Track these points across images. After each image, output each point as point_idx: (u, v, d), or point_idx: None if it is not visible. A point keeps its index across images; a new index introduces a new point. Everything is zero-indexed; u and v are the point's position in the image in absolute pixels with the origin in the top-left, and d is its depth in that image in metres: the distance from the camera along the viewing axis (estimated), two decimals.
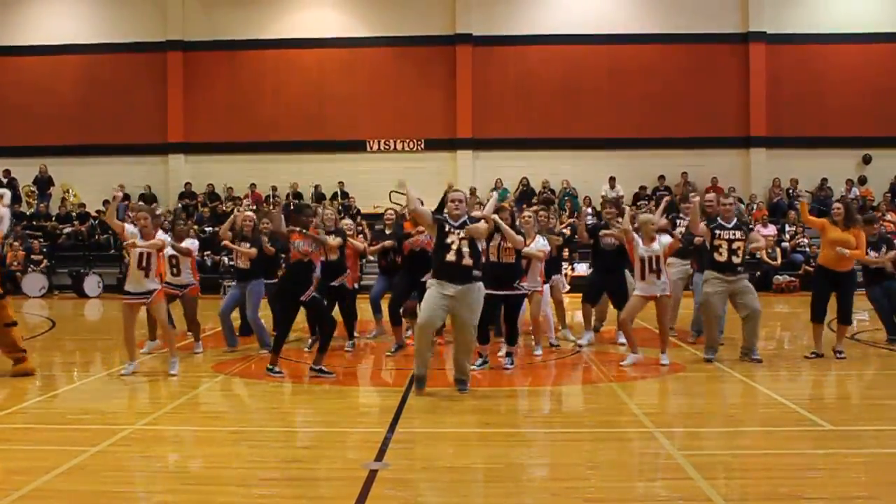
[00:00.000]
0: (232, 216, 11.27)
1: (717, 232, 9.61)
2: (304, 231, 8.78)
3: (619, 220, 10.48)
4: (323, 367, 8.86)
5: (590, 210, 21.86)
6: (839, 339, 9.92)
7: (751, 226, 10.11)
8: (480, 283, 7.96)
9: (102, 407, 7.74)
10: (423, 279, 10.11)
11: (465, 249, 7.82)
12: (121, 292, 9.69)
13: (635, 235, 9.55)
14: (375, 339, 11.98)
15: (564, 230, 21.28)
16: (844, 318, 9.87)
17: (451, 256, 7.81)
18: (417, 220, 8.98)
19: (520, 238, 8.99)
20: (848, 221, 9.78)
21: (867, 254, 10.33)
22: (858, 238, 9.81)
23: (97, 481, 5.35)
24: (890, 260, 10.78)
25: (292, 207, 10.80)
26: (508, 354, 9.22)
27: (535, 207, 9.96)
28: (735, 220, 9.76)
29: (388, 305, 10.60)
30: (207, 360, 10.23)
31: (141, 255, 9.04)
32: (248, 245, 10.67)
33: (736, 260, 9.53)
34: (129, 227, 9.18)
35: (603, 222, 11.40)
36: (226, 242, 10.80)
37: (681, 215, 11.66)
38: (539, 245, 9.86)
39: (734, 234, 9.57)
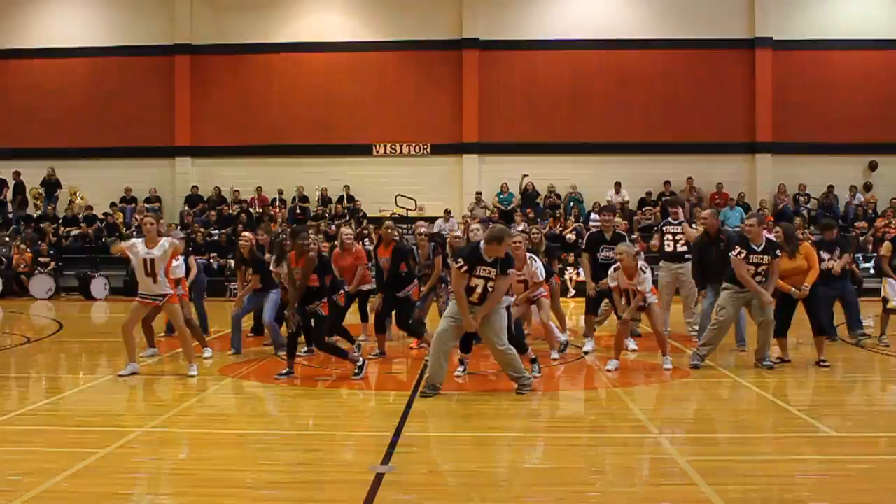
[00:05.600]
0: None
1: (750, 256, 9.46)
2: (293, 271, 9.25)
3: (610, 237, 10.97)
4: (356, 372, 9.14)
5: (595, 215, 21.84)
6: (819, 350, 9.87)
7: (777, 251, 9.61)
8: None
9: (110, 409, 7.82)
10: (400, 294, 10.59)
11: (488, 289, 8.19)
12: (127, 294, 9.80)
13: (619, 280, 9.69)
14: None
15: (569, 234, 21.59)
16: (818, 330, 9.87)
17: (473, 298, 8.19)
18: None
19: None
20: (790, 243, 9.74)
21: (821, 257, 10.35)
22: (809, 258, 9.80)
23: (107, 483, 5.40)
24: (841, 266, 10.97)
25: (289, 231, 11.18)
26: (533, 361, 9.19)
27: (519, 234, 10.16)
28: (764, 242, 9.53)
29: (373, 315, 10.95)
30: (214, 363, 10.28)
31: (146, 261, 9.23)
32: (251, 271, 11.03)
33: (759, 279, 9.46)
34: (136, 241, 9.44)
35: (598, 229, 11.50)
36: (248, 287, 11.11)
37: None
38: (538, 271, 10.19)
39: (762, 259, 9.45)
